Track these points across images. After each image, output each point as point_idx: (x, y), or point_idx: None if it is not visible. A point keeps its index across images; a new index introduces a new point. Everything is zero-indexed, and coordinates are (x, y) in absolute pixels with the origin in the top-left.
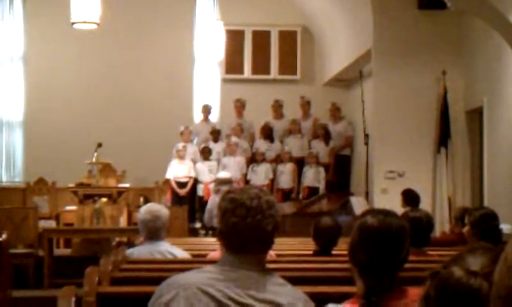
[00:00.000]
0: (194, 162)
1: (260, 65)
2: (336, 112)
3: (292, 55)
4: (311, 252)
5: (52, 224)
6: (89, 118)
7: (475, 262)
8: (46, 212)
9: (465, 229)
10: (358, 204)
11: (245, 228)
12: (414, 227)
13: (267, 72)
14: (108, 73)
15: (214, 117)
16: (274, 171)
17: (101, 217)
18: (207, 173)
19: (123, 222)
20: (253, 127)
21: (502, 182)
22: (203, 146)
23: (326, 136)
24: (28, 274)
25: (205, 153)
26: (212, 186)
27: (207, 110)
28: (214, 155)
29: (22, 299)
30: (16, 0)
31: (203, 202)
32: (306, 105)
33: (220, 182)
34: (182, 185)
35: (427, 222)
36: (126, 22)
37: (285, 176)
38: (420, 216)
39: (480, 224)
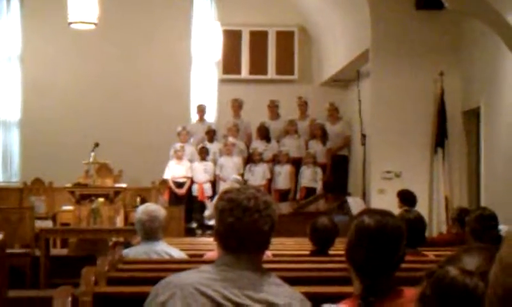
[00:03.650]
0: (192, 162)
1: (258, 65)
2: (334, 113)
3: (290, 56)
4: (308, 252)
5: (48, 224)
6: (86, 118)
7: (471, 262)
8: (43, 212)
9: (466, 230)
10: (355, 205)
11: (242, 228)
12: (408, 228)
13: (265, 72)
14: (105, 73)
15: (211, 117)
16: (272, 172)
17: (98, 217)
18: (202, 173)
19: (119, 222)
20: (249, 127)
21: (498, 182)
22: (200, 146)
23: (323, 136)
24: (25, 274)
25: (203, 153)
26: (207, 186)
27: (201, 110)
28: (209, 155)
29: (18, 299)
30: (14, 0)
31: (196, 202)
32: (303, 105)
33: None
34: (180, 185)
35: (420, 223)
36: (123, 22)
37: (283, 176)
38: (412, 217)
39: (478, 225)
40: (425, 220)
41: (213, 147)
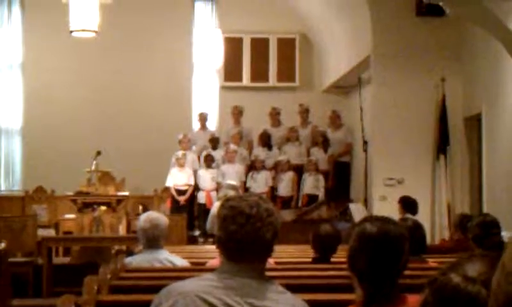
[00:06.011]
0: (194, 169)
1: (259, 72)
2: (336, 120)
3: (291, 63)
4: (310, 259)
5: (51, 232)
6: (88, 126)
7: (473, 269)
8: (45, 220)
9: (469, 236)
10: (358, 212)
11: (244, 236)
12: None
13: (266, 79)
14: (107, 81)
15: (212, 124)
16: (274, 179)
17: (100, 225)
18: (209, 181)
19: (122, 230)
20: (251, 134)
21: (500, 189)
22: (206, 153)
23: (325, 143)
24: (27, 282)
25: (208, 161)
26: (214, 194)
27: (203, 118)
28: (215, 163)
29: None
30: (15, 8)
31: (204, 209)
32: (305, 112)
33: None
34: (181, 192)
35: (418, 230)
36: (124, 30)
37: (285, 183)
38: (410, 225)
39: (480, 232)
40: (423, 227)
41: (216, 154)
